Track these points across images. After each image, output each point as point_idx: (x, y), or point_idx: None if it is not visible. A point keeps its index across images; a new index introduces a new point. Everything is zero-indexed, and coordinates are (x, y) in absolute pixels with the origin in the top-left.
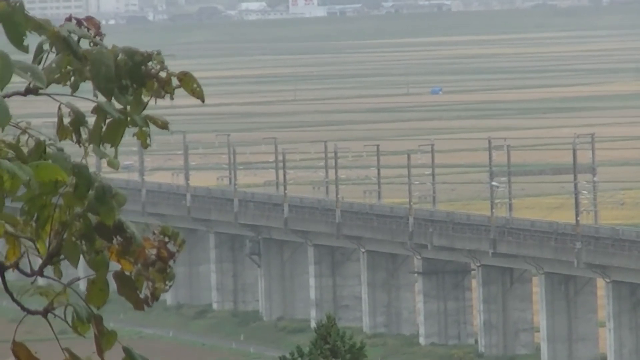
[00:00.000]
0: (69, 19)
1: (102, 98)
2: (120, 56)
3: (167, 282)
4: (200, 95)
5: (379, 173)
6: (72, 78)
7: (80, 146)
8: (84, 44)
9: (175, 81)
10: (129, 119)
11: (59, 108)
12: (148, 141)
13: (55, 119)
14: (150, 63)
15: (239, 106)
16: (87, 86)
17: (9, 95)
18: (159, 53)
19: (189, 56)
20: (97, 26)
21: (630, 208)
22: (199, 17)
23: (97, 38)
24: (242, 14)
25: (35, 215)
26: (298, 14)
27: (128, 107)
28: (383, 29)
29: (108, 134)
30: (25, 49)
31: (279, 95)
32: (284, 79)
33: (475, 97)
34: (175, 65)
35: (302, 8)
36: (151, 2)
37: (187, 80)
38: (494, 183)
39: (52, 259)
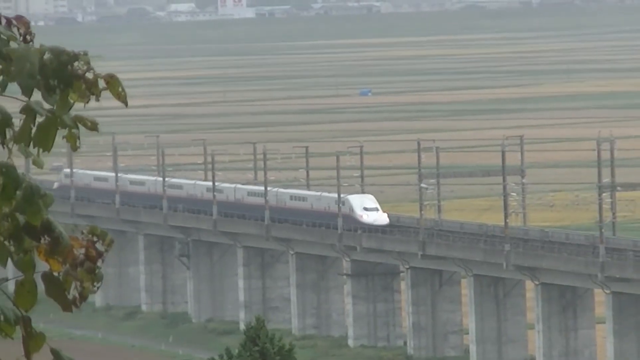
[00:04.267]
0: None
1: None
2: (46, 55)
3: (95, 283)
4: (124, 100)
5: (307, 175)
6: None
7: (3, 147)
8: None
9: (102, 83)
10: (58, 120)
11: None
12: (78, 144)
13: None
14: (76, 63)
15: (168, 107)
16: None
17: None
18: (85, 53)
19: (118, 57)
20: (27, 25)
21: (559, 210)
22: (128, 19)
23: (27, 37)
24: (171, 15)
25: None
26: (227, 15)
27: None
28: (312, 30)
29: (39, 136)
30: None
31: (208, 97)
32: (213, 81)
33: (404, 98)
34: (104, 67)
35: (231, 9)
36: (80, 4)
37: (113, 84)
38: (423, 185)
39: None
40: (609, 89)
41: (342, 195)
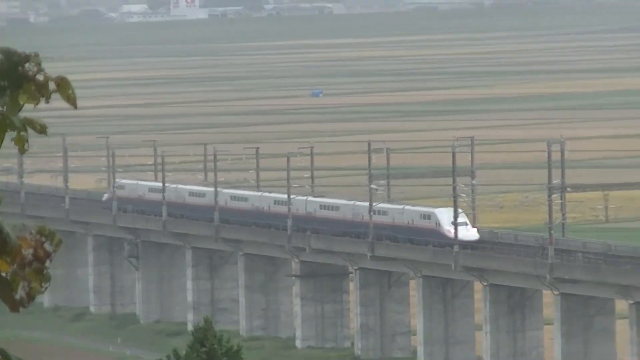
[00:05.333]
0: None
1: None
2: None
3: (43, 284)
4: (73, 102)
5: (258, 176)
6: None
7: None
8: None
9: (52, 85)
10: (7, 121)
11: None
12: (26, 146)
13: None
14: (27, 65)
15: (119, 108)
16: None
17: None
18: (36, 55)
19: (71, 58)
20: None
21: (509, 211)
22: (81, 20)
23: None
24: (124, 17)
25: None
26: (179, 16)
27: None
28: (264, 31)
29: None
30: None
31: (159, 98)
32: (165, 81)
33: (355, 99)
34: (56, 68)
35: (183, 10)
36: (32, 4)
37: (63, 86)
38: (373, 186)
39: None
40: (560, 90)
41: (428, 209)
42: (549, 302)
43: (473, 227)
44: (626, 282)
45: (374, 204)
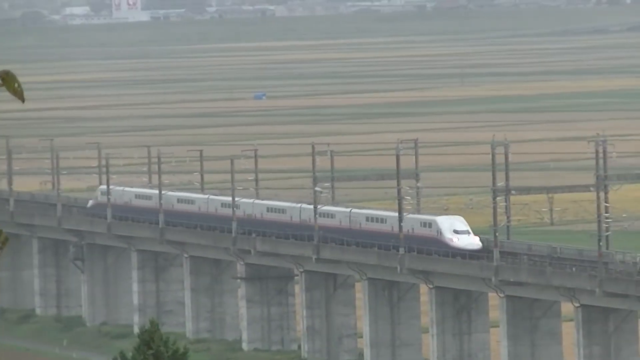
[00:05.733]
0: None
1: None
2: None
3: None
4: (20, 95)
5: (202, 178)
6: None
7: None
8: None
9: None
10: None
11: None
12: None
13: None
14: None
15: (62, 111)
16: None
17: None
18: None
19: (13, 60)
20: None
21: (453, 214)
22: (23, 22)
23: None
24: (67, 19)
25: None
26: (122, 18)
27: None
28: (207, 33)
29: None
30: None
31: (103, 100)
32: (108, 84)
33: (299, 102)
34: None
35: (125, 13)
36: None
37: (8, 80)
38: (317, 188)
39: None
40: (503, 92)
41: (429, 217)
42: (495, 304)
43: (475, 235)
44: (572, 284)
45: (375, 211)
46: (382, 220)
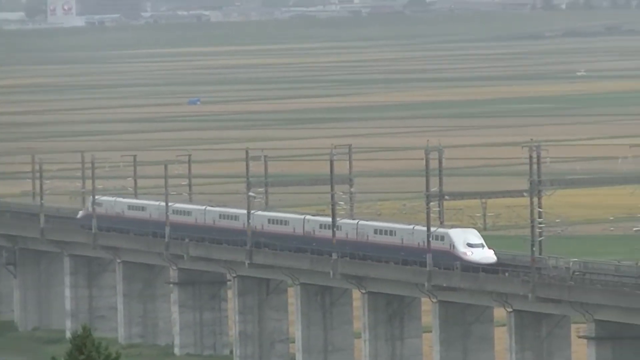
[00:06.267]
0: None
1: None
2: None
3: None
4: None
5: (135, 183)
6: None
7: None
8: None
9: None
10: None
11: None
12: None
13: None
14: None
15: None
16: None
17: None
18: None
19: None
20: None
21: (387, 219)
22: None
23: None
24: (1, 24)
25: None
26: (57, 23)
27: None
28: (142, 39)
29: None
30: None
31: (38, 105)
32: (42, 89)
33: (233, 107)
34: None
35: (60, 18)
36: None
37: None
38: (251, 193)
39: None
40: (437, 98)
41: (441, 230)
42: (428, 309)
43: (489, 248)
44: (504, 289)
45: (382, 223)
46: (391, 233)
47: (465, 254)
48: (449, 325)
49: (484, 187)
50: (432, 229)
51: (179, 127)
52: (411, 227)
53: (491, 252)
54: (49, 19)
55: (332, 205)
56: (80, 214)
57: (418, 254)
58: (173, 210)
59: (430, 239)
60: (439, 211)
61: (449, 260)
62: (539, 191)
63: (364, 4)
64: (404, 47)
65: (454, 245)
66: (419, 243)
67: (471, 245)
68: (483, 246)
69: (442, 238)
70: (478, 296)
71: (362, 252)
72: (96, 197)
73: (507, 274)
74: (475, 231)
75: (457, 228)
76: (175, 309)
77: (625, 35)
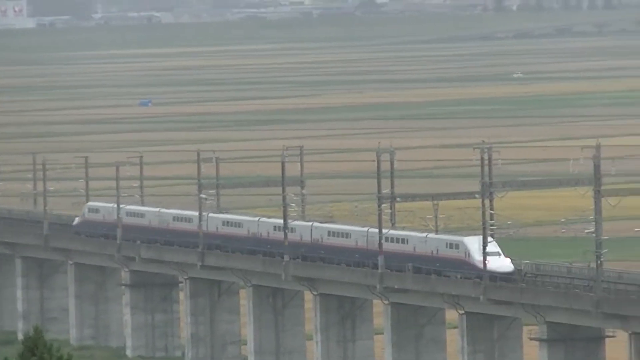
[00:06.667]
0: None
1: None
2: None
3: None
4: None
5: (87, 185)
6: None
7: None
8: None
9: None
10: None
11: None
12: None
13: None
14: None
15: None
16: None
17: None
18: None
19: None
20: None
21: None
22: None
23: None
24: None
25: None
26: (7, 25)
27: None
28: (93, 40)
29: None
30: None
31: None
32: None
33: (185, 109)
34: None
35: (11, 19)
36: None
37: None
38: (202, 195)
39: None
40: (389, 99)
41: (455, 237)
42: (380, 311)
43: (506, 256)
44: (456, 291)
45: (387, 230)
46: (402, 240)
47: (480, 262)
48: (401, 327)
49: (436, 188)
50: (446, 236)
51: (130, 129)
52: (424, 235)
53: (508, 260)
54: (0, 20)
55: (284, 207)
56: (77, 220)
57: (431, 263)
58: (173, 217)
59: (446, 247)
60: (391, 213)
61: (464, 269)
62: (491, 193)
63: (315, 6)
64: (355, 49)
65: (469, 254)
66: (432, 251)
67: (488, 253)
68: (500, 254)
69: (457, 246)
70: (430, 298)
71: (373, 260)
72: (92, 203)
73: (458, 276)
74: (490, 238)
75: (472, 235)
76: (127, 311)
77: (575, 37)
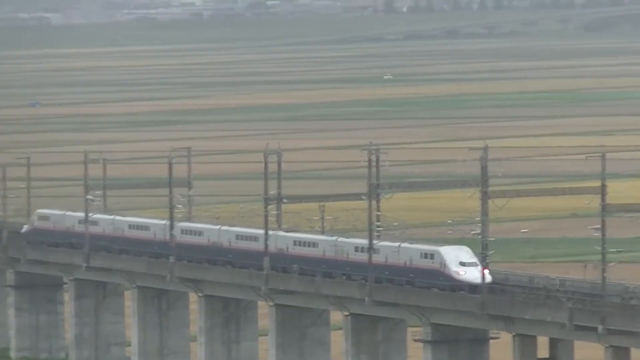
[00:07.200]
0: None
1: None
2: None
3: None
4: None
5: None
6: None
7: None
8: None
9: None
10: None
11: None
12: None
13: None
14: None
15: None
16: None
17: None
18: None
19: None
20: None
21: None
22: None
23: None
24: None
25: None
26: None
27: None
28: None
29: None
30: None
31: None
32: None
33: (73, 110)
34: None
35: None
36: None
37: None
38: (89, 196)
39: None
40: (277, 100)
41: (431, 247)
42: (264, 313)
43: (484, 267)
44: (341, 293)
45: (356, 240)
46: (374, 250)
47: (457, 273)
48: (286, 328)
49: (323, 190)
50: (421, 246)
51: (18, 130)
52: (397, 244)
53: (485, 271)
54: None
55: (170, 208)
56: (25, 228)
57: (404, 274)
58: (129, 225)
59: (420, 257)
60: (277, 214)
61: (439, 280)
62: (378, 194)
63: (205, 7)
64: (246, 50)
65: (445, 264)
66: (405, 262)
67: (464, 264)
68: (477, 265)
69: (432, 256)
70: (315, 300)
71: (342, 270)
72: (41, 210)
73: (344, 278)
74: (467, 249)
75: (448, 246)
76: (11, 312)
77: (465, 39)
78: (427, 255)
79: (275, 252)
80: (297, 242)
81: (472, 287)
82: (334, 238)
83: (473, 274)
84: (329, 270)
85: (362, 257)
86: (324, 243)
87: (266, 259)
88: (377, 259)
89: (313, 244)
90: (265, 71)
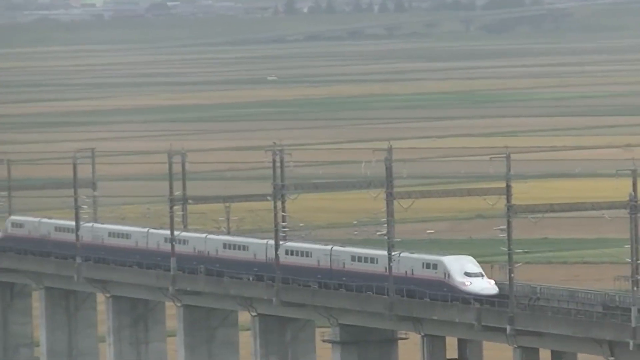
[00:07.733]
0: None
1: None
2: None
3: None
4: None
5: None
6: None
7: None
8: None
9: None
10: None
11: None
12: None
13: None
14: None
15: None
16: None
17: None
18: None
19: None
20: None
21: (131, 223)
22: None
23: None
24: None
25: None
26: None
27: None
28: None
29: None
30: None
31: None
32: None
33: None
34: None
35: None
36: None
37: None
38: None
39: None
40: (180, 102)
41: (434, 257)
42: (173, 313)
43: (490, 278)
44: (249, 293)
45: (353, 249)
46: (371, 260)
47: (463, 284)
48: (194, 329)
49: (228, 191)
50: (424, 256)
51: None
52: (397, 253)
53: (492, 282)
54: None
55: (75, 209)
56: None
57: (405, 284)
58: (109, 233)
59: (422, 267)
60: (183, 215)
61: (443, 291)
62: (283, 195)
63: (106, 8)
64: (147, 51)
65: (449, 275)
66: (406, 272)
67: (469, 274)
68: (482, 275)
69: (435, 266)
70: (223, 300)
71: (339, 280)
72: (15, 217)
73: (251, 278)
74: (471, 258)
75: (450, 255)
76: None
77: (366, 40)
78: (429, 265)
79: (265, 261)
80: (289, 252)
81: (478, 299)
82: (329, 247)
83: (479, 285)
84: (322, 280)
85: (359, 267)
86: (317, 252)
87: (173, 260)
88: (376, 268)
89: (307, 254)
90: (166, 72)
